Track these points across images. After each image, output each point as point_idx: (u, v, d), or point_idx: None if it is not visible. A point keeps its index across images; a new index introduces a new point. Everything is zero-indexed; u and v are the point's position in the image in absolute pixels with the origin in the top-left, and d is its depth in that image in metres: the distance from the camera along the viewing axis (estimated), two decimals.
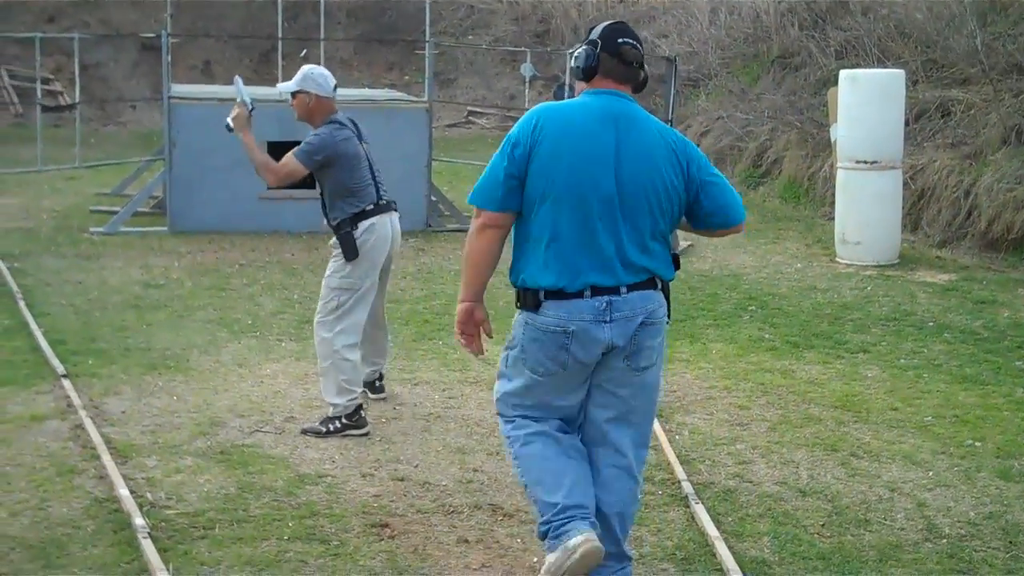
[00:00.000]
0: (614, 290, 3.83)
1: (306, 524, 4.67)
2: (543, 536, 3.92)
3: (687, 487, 5.09)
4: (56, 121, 20.36)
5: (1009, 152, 11.35)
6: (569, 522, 3.82)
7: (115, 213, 11.97)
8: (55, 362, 6.78)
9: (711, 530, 4.63)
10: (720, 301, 9.12)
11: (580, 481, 3.91)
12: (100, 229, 11.47)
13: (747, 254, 11.15)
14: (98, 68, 22.59)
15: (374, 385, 6.35)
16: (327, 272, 5.92)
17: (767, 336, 8.00)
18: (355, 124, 6.05)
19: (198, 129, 11.44)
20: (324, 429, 5.77)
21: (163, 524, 4.61)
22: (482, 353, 4.11)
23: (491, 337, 4.08)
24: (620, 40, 3.95)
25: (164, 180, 11.88)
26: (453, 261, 10.29)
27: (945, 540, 4.69)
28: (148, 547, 4.31)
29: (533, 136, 3.84)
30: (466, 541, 4.57)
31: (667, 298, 3.99)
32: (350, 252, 5.77)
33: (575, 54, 3.99)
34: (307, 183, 10.11)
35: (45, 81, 21.09)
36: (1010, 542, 4.67)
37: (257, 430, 5.83)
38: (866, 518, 4.88)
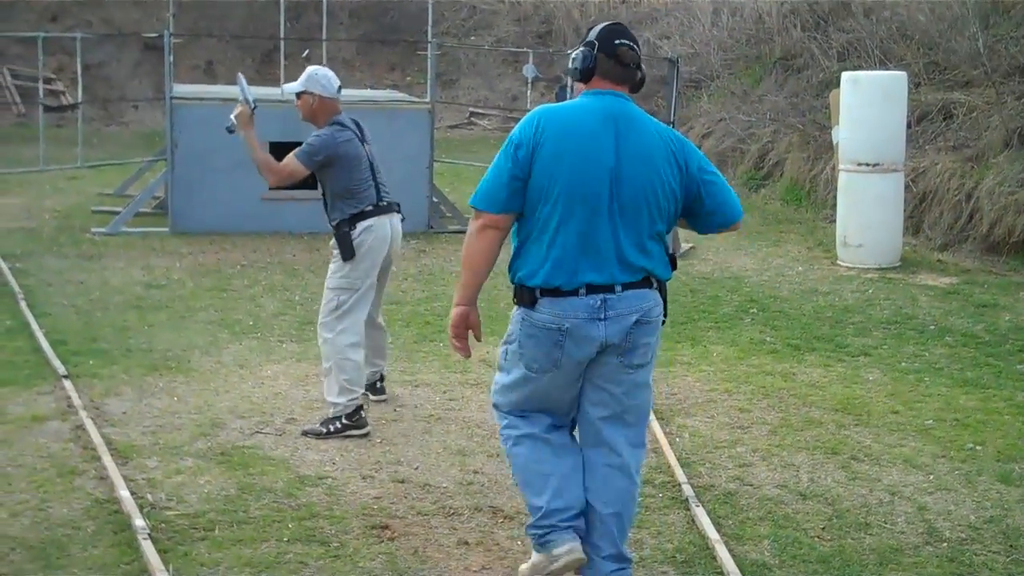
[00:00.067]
0: (609, 288, 3.87)
1: (306, 526, 4.68)
2: (530, 535, 4.08)
3: (687, 490, 5.09)
4: (58, 121, 20.38)
5: (1011, 155, 11.35)
6: (551, 532, 3.97)
7: (117, 213, 11.98)
8: (56, 363, 6.78)
9: (711, 533, 4.63)
10: (721, 304, 9.12)
11: (566, 482, 4.00)
12: (102, 229, 11.48)
13: (748, 257, 11.15)
14: (100, 68, 22.60)
15: (375, 387, 6.35)
16: (328, 273, 5.96)
17: (768, 339, 8.00)
18: (359, 125, 6.07)
19: (200, 129, 11.44)
20: (324, 430, 5.78)
21: (163, 525, 4.61)
22: (470, 356, 4.17)
23: (479, 340, 4.13)
24: (617, 41, 3.97)
25: (166, 180, 11.89)
26: (454, 263, 10.28)
27: (945, 544, 4.69)
28: (148, 548, 4.31)
29: (535, 137, 3.87)
30: (466, 543, 4.57)
31: (664, 298, 4.02)
32: (346, 252, 5.81)
33: (572, 56, 4.02)
34: (308, 184, 10.10)
35: (47, 81, 21.10)
36: (1010, 546, 4.67)
37: (258, 431, 5.83)
38: (866, 521, 4.88)
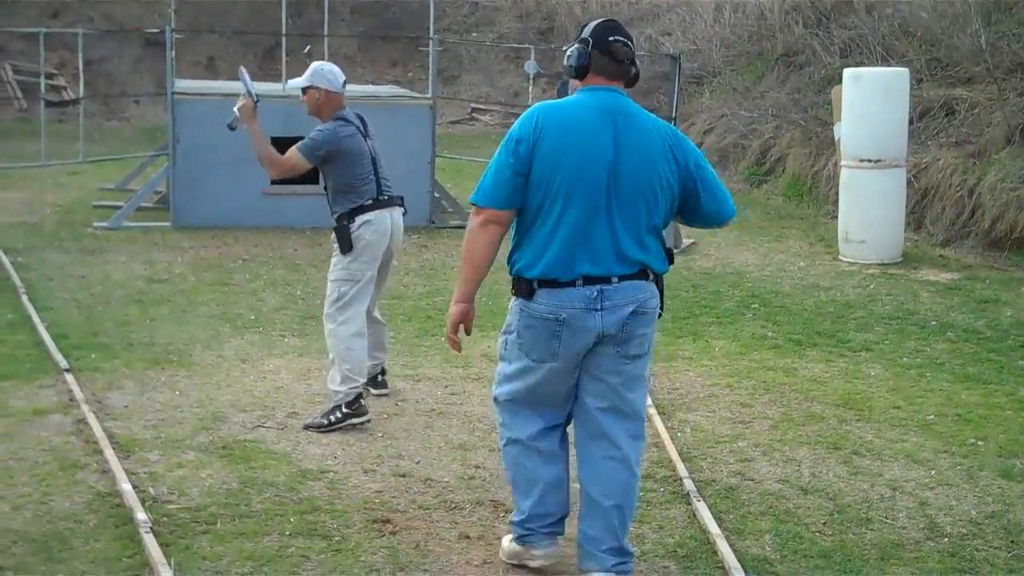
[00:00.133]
0: (606, 279, 3.93)
1: (308, 519, 4.68)
2: (512, 527, 4.31)
3: (689, 484, 5.09)
4: (60, 116, 20.37)
5: (1013, 151, 11.34)
6: (531, 535, 4.23)
7: (118, 208, 11.98)
8: (58, 356, 6.78)
9: (713, 528, 4.63)
10: (723, 299, 9.11)
11: (550, 490, 4.18)
12: (103, 224, 11.48)
13: (750, 252, 11.15)
14: (102, 63, 22.59)
15: (376, 380, 6.36)
16: (330, 266, 6.03)
17: (770, 334, 8.00)
18: (363, 120, 6.14)
19: (202, 125, 11.44)
20: (326, 421, 5.80)
21: (165, 519, 4.61)
22: (461, 350, 4.24)
23: (468, 334, 4.19)
24: (611, 38, 4.03)
25: (167, 175, 11.89)
26: (456, 258, 10.28)
27: (947, 539, 4.69)
28: (150, 541, 4.31)
29: (535, 133, 3.92)
30: (467, 537, 4.57)
31: (660, 290, 4.07)
32: (344, 245, 5.89)
33: (568, 53, 4.07)
34: (310, 179, 10.10)
35: (49, 76, 21.09)
36: (1012, 541, 4.67)
37: (259, 425, 5.83)
38: (868, 516, 4.88)
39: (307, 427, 5.81)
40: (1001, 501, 5.08)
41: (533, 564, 4.26)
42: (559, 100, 4.12)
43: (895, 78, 10.88)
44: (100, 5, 23.48)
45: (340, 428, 5.79)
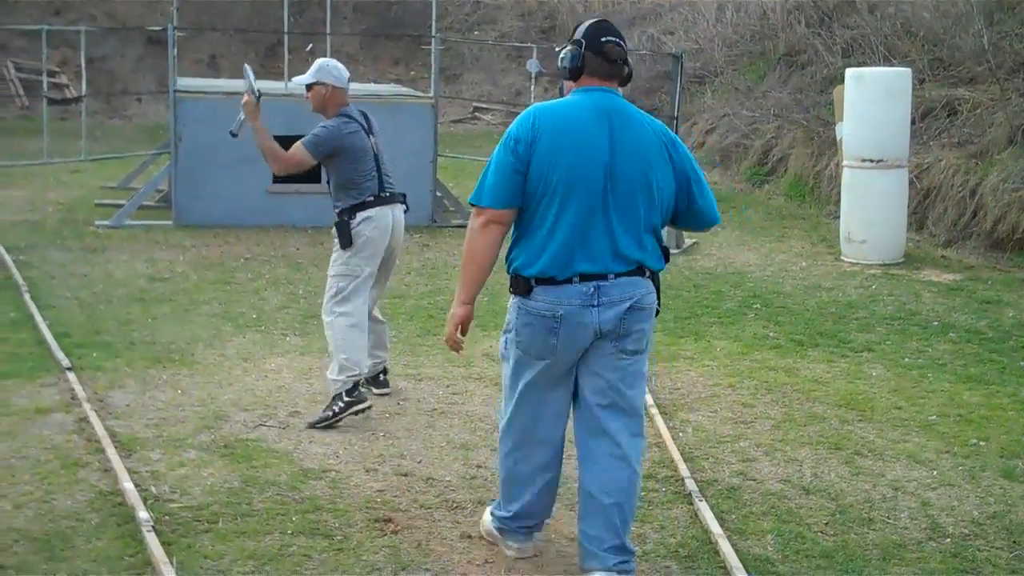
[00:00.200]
0: (602, 276, 3.96)
1: (309, 519, 4.68)
2: (492, 512, 4.46)
3: (691, 484, 5.09)
4: (62, 114, 20.39)
5: (1015, 152, 11.33)
6: (508, 531, 4.36)
7: (120, 206, 11.98)
8: (60, 355, 6.79)
9: (714, 528, 4.63)
10: (725, 299, 9.11)
11: (538, 498, 4.28)
12: (105, 222, 11.48)
13: (752, 252, 11.15)
14: (104, 61, 22.60)
15: (378, 379, 6.37)
16: (330, 261, 6.10)
17: (771, 334, 8.00)
18: (367, 117, 6.19)
19: (204, 123, 11.44)
20: (329, 413, 5.84)
21: (167, 517, 4.62)
22: (460, 350, 4.27)
23: (465, 335, 4.21)
24: (604, 39, 4.06)
25: (169, 174, 11.89)
26: (457, 257, 10.27)
27: (949, 539, 4.69)
28: (152, 540, 4.32)
29: (532, 133, 3.96)
30: (469, 537, 4.57)
31: (657, 287, 4.11)
32: (344, 240, 5.95)
33: (561, 55, 4.10)
34: (312, 177, 10.09)
35: (51, 74, 21.11)
36: (1014, 542, 4.67)
37: (261, 424, 5.84)
38: (870, 517, 4.88)
39: (311, 425, 5.82)
40: (1003, 501, 5.08)
41: (507, 553, 4.39)
42: (555, 101, 4.15)
43: (897, 78, 10.87)
44: (102, 3, 23.49)
45: (343, 420, 5.82)
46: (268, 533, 4.52)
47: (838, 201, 11.61)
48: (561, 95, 4.24)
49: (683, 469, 5.29)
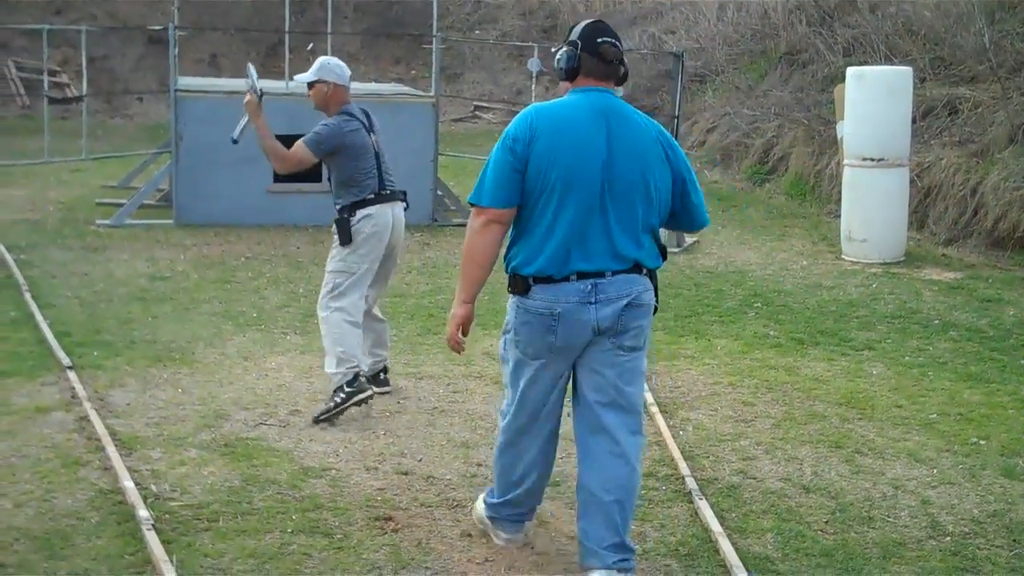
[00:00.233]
0: (599, 274, 3.98)
1: (310, 517, 4.68)
2: (485, 500, 4.51)
3: (691, 483, 5.09)
4: (63, 113, 20.40)
5: (1016, 150, 11.33)
6: (499, 520, 4.43)
7: (121, 205, 11.99)
8: (60, 354, 6.79)
9: (715, 526, 4.63)
10: (725, 298, 9.11)
11: (534, 485, 4.33)
12: (106, 221, 11.49)
13: (752, 251, 11.15)
14: (105, 60, 22.61)
15: (378, 378, 6.37)
16: (328, 257, 6.14)
17: (772, 333, 8.00)
18: (368, 115, 6.23)
19: (204, 122, 11.45)
20: (332, 404, 5.88)
21: (167, 516, 4.62)
22: (462, 351, 4.29)
23: (466, 335, 4.22)
24: (600, 40, 4.08)
25: (170, 173, 11.89)
26: (458, 255, 10.25)
27: (949, 538, 4.69)
28: (152, 539, 4.32)
29: (530, 132, 3.98)
30: (469, 535, 4.57)
31: (654, 284, 4.13)
32: (344, 237, 6.00)
33: (557, 56, 4.12)
34: (313, 177, 10.09)
35: (52, 73, 21.12)
36: (1014, 540, 4.67)
37: (261, 423, 5.84)
38: (870, 515, 4.88)
39: (316, 420, 5.85)
40: (1003, 500, 5.08)
41: (496, 541, 4.46)
42: (552, 101, 4.17)
43: (898, 77, 10.87)
44: (103, 2, 23.51)
45: (345, 413, 5.86)
46: (268, 532, 4.52)
47: (839, 200, 11.61)
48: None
49: (683, 467, 5.29)
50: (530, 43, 19.44)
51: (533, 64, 15.56)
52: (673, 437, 5.72)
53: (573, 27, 4.15)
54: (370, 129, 6.13)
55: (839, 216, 11.38)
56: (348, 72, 6.17)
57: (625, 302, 3.98)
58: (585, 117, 3.98)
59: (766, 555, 4.47)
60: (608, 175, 3.95)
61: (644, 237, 4.03)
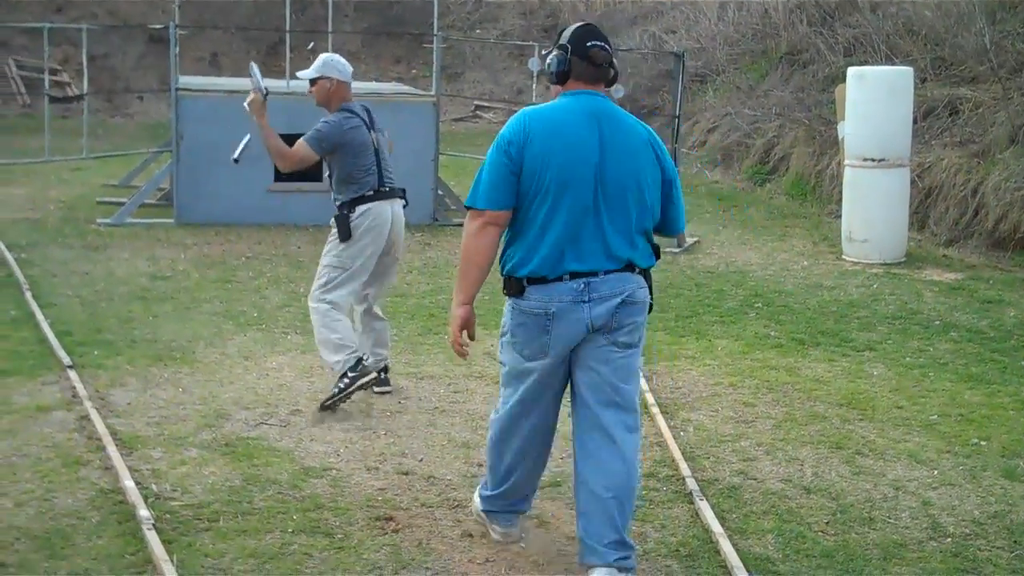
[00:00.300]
0: (592, 274, 4.02)
1: (310, 517, 4.68)
2: (479, 492, 4.55)
3: (691, 484, 5.09)
4: (63, 112, 20.40)
5: (1017, 151, 11.33)
6: (494, 513, 4.47)
7: (122, 204, 11.99)
8: (61, 353, 6.79)
9: (715, 527, 4.63)
10: (726, 298, 9.11)
11: (526, 477, 4.38)
12: (107, 220, 11.49)
13: (753, 251, 11.14)
14: (106, 59, 22.61)
15: (379, 378, 6.37)
16: (324, 250, 6.21)
17: (773, 333, 7.99)
18: (368, 112, 6.29)
19: (205, 121, 11.45)
20: (335, 391, 5.96)
21: (167, 516, 4.62)
22: (467, 355, 4.33)
23: (473, 339, 4.25)
24: (589, 44, 4.12)
25: (171, 172, 11.89)
26: (459, 255, 10.26)
27: (949, 539, 4.68)
28: (152, 538, 4.32)
29: (524, 135, 4.02)
30: (470, 535, 4.57)
31: (648, 283, 4.16)
32: (343, 233, 6.07)
33: (547, 60, 4.17)
34: (314, 176, 10.09)
35: (53, 72, 21.12)
36: (1015, 542, 4.67)
37: (262, 423, 5.84)
38: (871, 516, 4.88)
39: (322, 406, 5.95)
40: (1004, 501, 5.08)
41: (493, 536, 4.49)
42: (544, 105, 4.21)
43: (899, 77, 10.86)
44: (104, 1, 23.50)
45: (351, 395, 5.96)
46: (269, 531, 4.52)
47: (840, 200, 11.61)
48: None
49: (684, 468, 5.29)
50: (531, 42, 19.43)
51: (534, 64, 15.54)
52: (674, 438, 5.71)
53: (562, 31, 4.19)
54: (371, 126, 6.19)
55: (840, 216, 11.37)
56: (350, 69, 6.24)
57: (619, 300, 4.02)
58: (577, 120, 4.03)
59: (767, 556, 4.47)
60: (601, 177, 4.00)
61: (637, 237, 4.08)
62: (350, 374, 5.95)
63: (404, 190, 6.30)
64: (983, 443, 5.82)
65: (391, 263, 6.38)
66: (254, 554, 4.32)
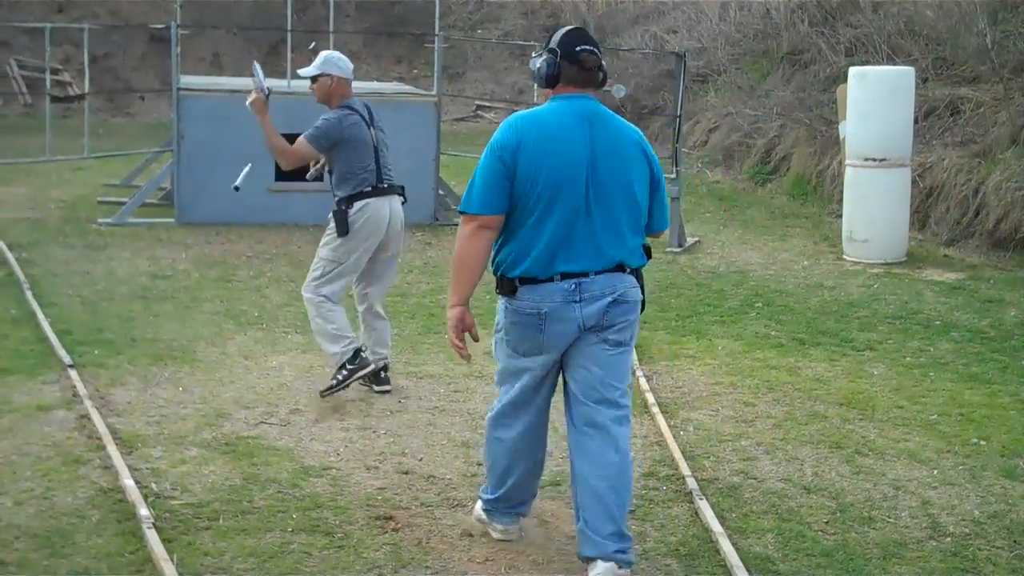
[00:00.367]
0: (583, 274, 4.08)
1: (310, 516, 4.68)
2: (480, 495, 4.58)
3: (691, 483, 5.09)
4: (65, 111, 20.40)
5: (1018, 151, 11.32)
6: (495, 512, 4.50)
7: (123, 204, 11.98)
8: (62, 352, 6.79)
9: (715, 526, 4.63)
10: (727, 297, 9.11)
11: (524, 480, 4.41)
12: (108, 220, 11.49)
13: (754, 251, 11.14)
14: (107, 59, 22.62)
15: (379, 377, 6.38)
16: (320, 244, 6.26)
17: (773, 333, 7.99)
18: (369, 110, 6.34)
19: (206, 121, 11.45)
20: (334, 382, 6.07)
21: (167, 515, 4.62)
22: (470, 358, 4.34)
23: (477, 340, 4.28)
24: (579, 48, 4.16)
25: (172, 171, 11.90)
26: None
27: (949, 539, 4.68)
28: (152, 537, 4.32)
29: (516, 140, 4.07)
30: (470, 535, 4.57)
31: (640, 282, 4.22)
32: (341, 228, 6.12)
33: (537, 64, 4.20)
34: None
35: (54, 71, 21.12)
36: (1014, 541, 4.67)
37: (262, 422, 5.84)
38: (870, 516, 4.88)
39: (322, 395, 6.06)
40: (1004, 501, 5.08)
41: (494, 535, 4.52)
42: (535, 109, 4.25)
43: (900, 77, 10.86)
44: (105, 1, 23.50)
45: (349, 385, 6.07)
46: (269, 530, 4.53)
47: (840, 200, 11.60)
48: None
49: (684, 467, 5.29)
50: (532, 42, 19.43)
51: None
52: (674, 437, 5.71)
53: (552, 34, 4.23)
54: (370, 123, 6.24)
55: (841, 216, 11.36)
56: (351, 66, 6.31)
57: (610, 299, 4.07)
58: (569, 123, 4.07)
59: (766, 555, 4.47)
60: (593, 179, 4.05)
61: (628, 238, 4.13)
62: (348, 366, 6.04)
63: (403, 187, 6.35)
64: (983, 443, 5.82)
65: (390, 260, 6.39)
66: (254, 553, 4.32)
